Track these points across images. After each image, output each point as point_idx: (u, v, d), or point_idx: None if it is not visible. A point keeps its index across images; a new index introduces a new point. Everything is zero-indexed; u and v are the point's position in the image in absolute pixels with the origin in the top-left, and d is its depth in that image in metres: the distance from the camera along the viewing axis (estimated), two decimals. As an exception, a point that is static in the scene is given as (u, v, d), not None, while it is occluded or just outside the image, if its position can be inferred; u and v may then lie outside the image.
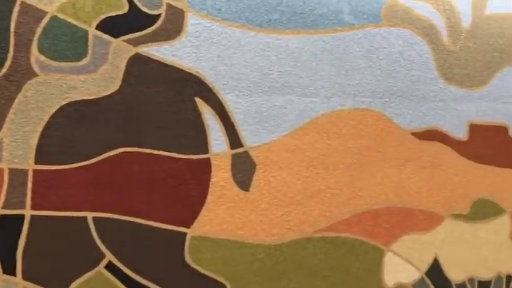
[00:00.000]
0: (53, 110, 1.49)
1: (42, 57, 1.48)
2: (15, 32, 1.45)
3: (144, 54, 1.57)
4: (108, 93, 1.54)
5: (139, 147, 1.57)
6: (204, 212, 1.66)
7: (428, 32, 1.97)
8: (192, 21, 1.63)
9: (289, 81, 1.76)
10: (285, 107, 1.76)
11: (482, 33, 2.07)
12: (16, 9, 1.45)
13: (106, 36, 1.53)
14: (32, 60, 1.47)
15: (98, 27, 1.52)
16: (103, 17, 1.53)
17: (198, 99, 1.63)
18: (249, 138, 1.72)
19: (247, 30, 1.71)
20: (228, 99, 1.69)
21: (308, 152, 1.80)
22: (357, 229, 1.89)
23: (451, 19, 2.02)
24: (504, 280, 2.17)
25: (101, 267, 1.54)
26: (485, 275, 2.14)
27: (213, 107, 1.66)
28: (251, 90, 1.71)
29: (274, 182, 1.76)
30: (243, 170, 1.70)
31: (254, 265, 1.73)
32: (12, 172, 1.46)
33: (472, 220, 2.08)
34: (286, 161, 1.77)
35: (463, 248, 2.07)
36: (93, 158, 1.51)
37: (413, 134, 1.96)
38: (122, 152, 1.54)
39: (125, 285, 1.57)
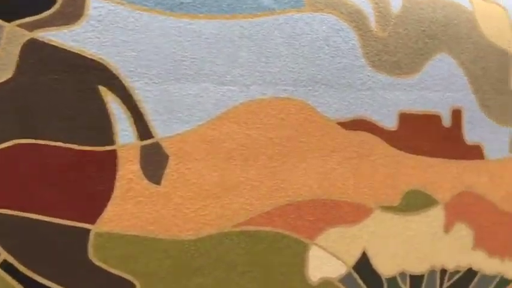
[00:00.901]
0: None
1: None
2: None
3: (40, 39, 1.52)
4: (0, 81, 1.48)
5: (35, 139, 1.52)
6: (110, 207, 1.62)
7: (354, 17, 1.95)
8: (95, 4, 1.58)
9: (204, 68, 1.72)
10: (200, 96, 1.73)
11: (413, 19, 2.06)
12: None
13: (-2, 21, 1.47)
14: None
15: (-12, 11, 1.47)
16: (-6, 0, 1.47)
17: (101, 88, 1.58)
18: (161, 129, 1.68)
19: (157, 14, 1.66)
20: (137, 87, 1.64)
21: (226, 143, 1.77)
22: (279, 222, 1.87)
23: (380, 4, 2.00)
24: (438, 274, 2.18)
25: (-5, 267, 1.49)
26: (418, 268, 2.14)
27: (119, 96, 1.62)
28: (162, 77, 1.67)
29: (189, 174, 1.72)
30: (154, 162, 1.66)
31: (166, 262, 1.70)
32: None
33: (403, 212, 2.08)
34: (202, 152, 1.74)
35: (393, 241, 2.07)
36: (-17, 150, 1.46)
37: (339, 123, 1.94)
38: (16, 144, 1.49)
39: (23, 285, 1.52)
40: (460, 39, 2.16)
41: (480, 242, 2.27)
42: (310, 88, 1.91)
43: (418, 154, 2.11)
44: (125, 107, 1.65)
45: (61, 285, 1.58)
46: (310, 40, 1.90)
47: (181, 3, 1.70)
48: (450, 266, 2.22)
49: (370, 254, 2.04)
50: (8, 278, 1.54)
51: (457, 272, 2.24)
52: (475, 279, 2.32)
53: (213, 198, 1.77)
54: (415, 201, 2.11)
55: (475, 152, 2.23)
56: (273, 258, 1.88)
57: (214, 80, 1.76)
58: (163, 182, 1.71)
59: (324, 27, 1.92)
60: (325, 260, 1.97)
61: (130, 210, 1.66)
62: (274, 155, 1.86)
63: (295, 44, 1.88)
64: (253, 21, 1.81)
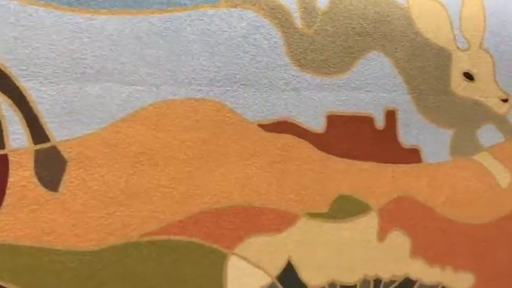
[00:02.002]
0: None
1: None
2: None
3: None
4: None
5: None
6: (1, 217, 1.55)
7: (276, 13, 1.91)
8: (-19, -1, 1.51)
9: (107, 67, 1.67)
10: (102, 96, 1.67)
11: (342, 15, 2.02)
12: None
13: None
14: None
15: None
16: None
17: (-11, 88, 1.52)
18: (58, 132, 1.62)
19: (53, 9, 1.60)
20: (29, 87, 1.58)
21: (133, 147, 1.71)
22: (194, 231, 1.82)
23: (304, -1, 1.96)
24: (372, 283, 2.14)
25: None
26: (350, 278, 2.10)
27: (10, 97, 1.56)
28: (59, 77, 1.61)
29: (91, 180, 1.66)
30: (50, 167, 1.60)
31: (65, 274, 1.63)
32: None
33: (332, 219, 2.03)
34: (106, 157, 1.68)
35: (322, 250, 2.03)
36: None
37: (260, 125, 1.89)
38: None
39: None
40: (394, 36, 2.12)
41: (418, 250, 2.23)
42: (228, 88, 1.86)
43: (348, 158, 2.06)
44: (16, 109, 1.59)
45: None
46: (227, 37, 1.85)
47: (80, -3, 1.64)
48: (385, 276, 2.18)
49: (296, 264, 2.00)
50: None
51: (393, 281, 2.19)
52: (415, 289, 2.28)
53: (118, 205, 1.71)
54: (346, 208, 2.06)
55: (412, 156, 2.19)
56: (188, 270, 1.83)
57: (118, 80, 1.70)
58: (61, 189, 1.64)
59: (242, 23, 1.88)
60: (246, 270, 1.91)
61: (24, 219, 1.60)
62: (187, 159, 1.81)
63: (211, 42, 1.83)
64: (163, 17, 1.76)
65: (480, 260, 2.35)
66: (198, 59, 1.81)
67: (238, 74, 1.87)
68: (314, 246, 2.02)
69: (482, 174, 2.33)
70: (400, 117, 2.16)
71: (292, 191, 1.97)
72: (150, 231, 1.77)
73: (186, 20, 1.79)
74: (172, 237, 1.80)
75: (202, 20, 1.81)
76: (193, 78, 1.80)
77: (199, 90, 1.82)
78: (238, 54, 1.87)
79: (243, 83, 1.88)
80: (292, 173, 1.97)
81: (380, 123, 2.11)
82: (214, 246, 1.86)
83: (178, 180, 1.80)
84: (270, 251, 1.94)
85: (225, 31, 1.85)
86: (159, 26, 1.75)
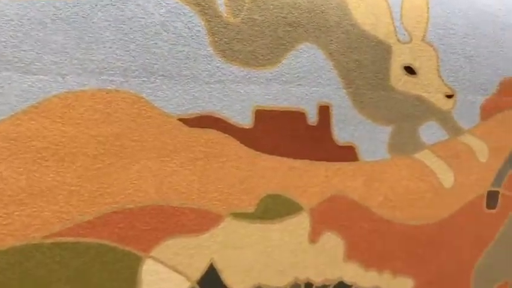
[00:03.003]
0: None
1: None
2: None
3: None
4: None
5: None
6: None
7: (199, 0, 1.83)
8: None
9: (5, 54, 1.58)
10: (0, 86, 1.57)
11: (271, 4, 1.95)
12: None
13: None
14: None
15: None
16: None
17: None
18: (-51, 124, 1.52)
19: None
20: None
21: (35, 141, 1.63)
22: (105, 233, 1.74)
23: (230, -14, 1.89)
24: (303, 287, 2.08)
25: None
26: (278, 282, 2.05)
27: None
28: (-50, 64, 1.52)
29: (-13, 177, 1.57)
30: None
31: (-45, 279, 1.54)
32: None
33: (260, 219, 1.98)
34: (5, 152, 1.60)
35: (248, 252, 1.97)
36: None
37: (181, 120, 1.83)
38: None
39: None
40: (329, 27, 2.07)
41: (353, 253, 2.19)
42: (145, 79, 1.79)
43: (278, 155, 2.01)
44: None
45: None
46: (143, 25, 1.78)
47: (-25, -22, 1.55)
48: (317, 279, 2.13)
49: (219, 267, 1.94)
50: None
51: (326, 286, 2.15)
52: (351, 293, 2.24)
53: (18, 205, 1.63)
54: (275, 208, 2.01)
55: (347, 153, 2.14)
56: (97, 275, 1.75)
57: (19, 68, 1.62)
58: (-48, 186, 1.56)
59: (161, 10, 1.80)
60: (163, 275, 1.85)
61: None
62: (98, 155, 1.73)
63: (125, 29, 1.75)
64: (71, 2, 1.67)
65: (420, 264, 2.32)
66: (111, 47, 1.73)
67: (156, 64, 1.80)
68: (239, 248, 1.96)
69: (424, 174, 2.30)
70: (335, 113, 2.11)
71: (216, 190, 1.91)
72: (54, 232, 1.69)
73: (96, 5, 1.72)
74: (80, 239, 1.72)
75: (115, 5, 1.74)
76: (105, 68, 1.73)
77: (111, 81, 1.74)
78: (156, 43, 1.80)
79: (161, 74, 1.81)
80: (216, 170, 1.90)
81: (313, 119, 2.06)
82: (128, 248, 1.79)
83: (86, 177, 1.72)
84: (190, 253, 1.88)
85: (141, 18, 1.77)
86: (66, 11, 1.67)
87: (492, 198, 2.49)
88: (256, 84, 1.96)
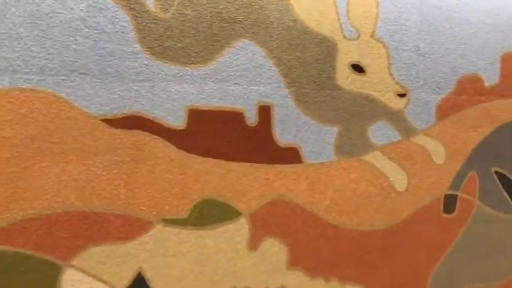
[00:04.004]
0: None
1: None
2: None
3: None
4: None
5: None
6: None
7: (124, -6, 1.78)
8: None
9: None
10: None
11: (205, -1, 1.91)
12: None
13: None
14: None
15: None
16: None
17: None
18: None
19: None
20: None
21: None
22: (21, 240, 1.69)
23: (158, -21, 1.84)
24: (242, 296, 2.04)
25: None
26: (215, 291, 1.99)
27: None
28: None
29: None
30: None
31: None
32: None
33: (194, 226, 1.93)
34: None
35: (181, 260, 1.92)
36: None
37: (104, 120, 1.78)
38: None
39: None
40: (269, 24, 2.03)
41: (297, 260, 2.14)
42: (64, 77, 1.74)
43: (213, 157, 1.96)
44: None
45: None
46: (62, 20, 1.73)
47: None
48: (257, 288, 2.09)
49: (149, 276, 1.88)
50: None
51: (267, 294, 2.10)
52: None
53: None
54: (210, 213, 1.96)
55: (289, 155, 2.10)
56: (14, 284, 1.70)
57: None
58: None
59: (82, 5, 1.76)
60: (86, 284, 1.80)
61: None
62: (12, 158, 1.68)
63: (41, 25, 1.70)
64: (-20, -4, 1.62)
65: (371, 271, 2.27)
66: (26, 44, 1.69)
67: (77, 61, 1.75)
68: (171, 256, 1.91)
69: (374, 176, 2.26)
70: (276, 113, 2.06)
71: (145, 195, 1.86)
72: (-36, 240, 1.63)
73: (9, 1, 1.66)
74: (-8, 247, 1.67)
75: (31, 0, 1.68)
76: (19, 66, 1.68)
77: (26, 79, 1.69)
78: (76, 40, 1.75)
79: (82, 72, 1.76)
80: (145, 174, 1.85)
81: (252, 119, 2.01)
82: (46, 257, 1.74)
83: None
84: (116, 262, 1.83)
85: (60, 13, 1.73)
86: (-24, 6, 1.61)
87: (450, 202, 2.45)
88: (189, 82, 1.91)
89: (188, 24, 1.91)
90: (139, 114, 1.85)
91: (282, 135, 2.08)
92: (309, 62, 2.11)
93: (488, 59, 2.46)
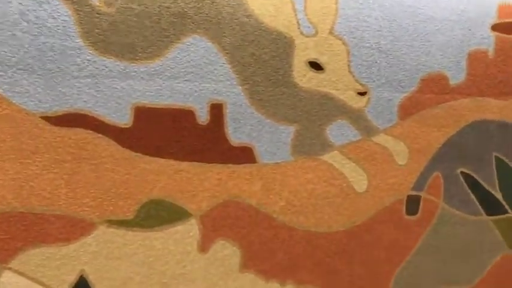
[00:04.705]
0: None
1: None
2: None
3: None
4: None
5: None
6: None
7: (65, -13, 1.75)
8: None
9: None
10: None
11: (153, -7, 1.87)
12: None
13: None
14: None
15: None
16: None
17: None
18: None
19: None
20: None
21: None
22: (-47, 242, 1.65)
23: (103, -28, 1.81)
24: (194, 300, 2.01)
25: None
26: (163, 294, 1.96)
27: None
28: None
29: None
30: None
31: None
32: None
33: (140, 227, 1.90)
34: None
35: (126, 263, 1.89)
36: None
37: (45, 118, 1.74)
38: None
39: None
40: (221, 19, 2.00)
41: (250, 263, 2.11)
42: (1, 73, 1.71)
43: (162, 157, 1.93)
44: None
45: None
46: (-1, 14, 1.69)
47: None
48: (208, 292, 2.06)
49: (92, 279, 1.86)
50: None
51: (218, 298, 2.07)
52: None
53: None
54: (158, 214, 1.93)
55: (243, 155, 2.07)
56: None
57: None
58: None
59: (20, -2, 1.71)
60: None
61: None
62: None
63: (-24, 18, 1.66)
64: None
65: (329, 274, 2.25)
66: (-41, 39, 1.64)
67: (14, 56, 1.72)
68: (116, 258, 1.88)
69: (333, 177, 2.23)
70: (229, 112, 2.03)
71: (87, 195, 1.83)
72: None
73: None
74: None
75: (-36, -8, 1.64)
76: (-48, 61, 1.63)
77: (-40, 75, 1.65)
78: (14, 34, 1.72)
79: (20, 67, 1.72)
80: (87, 174, 1.82)
81: (203, 117, 1.98)
82: (-19, 259, 1.70)
83: None
84: (56, 264, 1.80)
85: (-4, 6, 1.68)
86: None
87: (413, 203, 2.42)
88: (136, 79, 1.88)
89: (134, 19, 1.87)
90: (82, 112, 1.82)
91: (235, 134, 2.05)
92: (264, 59, 2.08)
93: (454, 57, 2.43)
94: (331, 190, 2.24)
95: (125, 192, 1.89)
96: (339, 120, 2.24)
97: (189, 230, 2.00)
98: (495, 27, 2.52)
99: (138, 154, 1.91)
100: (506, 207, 2.62)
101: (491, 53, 2.50)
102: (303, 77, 2.16)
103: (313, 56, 2.17)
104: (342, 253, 2.29)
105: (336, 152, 2.25)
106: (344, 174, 2.27)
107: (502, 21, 2.52)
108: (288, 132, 2.15)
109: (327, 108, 2.22)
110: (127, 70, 1.87)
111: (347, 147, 2.26)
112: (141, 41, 1.89)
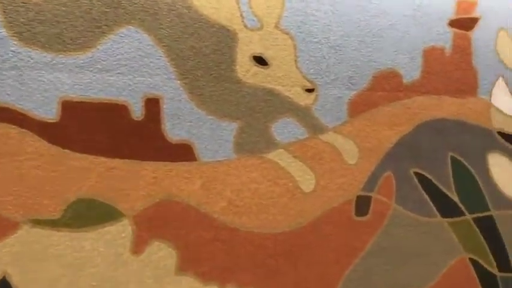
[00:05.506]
0: None
1: None
2: None
3: None
4: None
5: None
6: None
7: (-14, -27, 1.68)
8: None
9: None
10: None
11: (84, -19, 1.81)
12: None
13: None
14: None
15: None
16: None
17: None
18: None
19: None
20: None
21: None
22: None
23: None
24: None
25: None
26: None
27: None
28: None
29: None
30: None
31: None
32: None
33: (68, 227, 1.84)
34: None
35: (52, 265, 1.84)
36: None
37: (-37, 112, 1.66)
38: None
39: None
40: (158, 10, 1.94)
41: (188, 265, 2.06)
42: None
43: (92, 153, 1.88)
44: None
45: None
46: None
47: None
48: (142, 295, 2.00)
49: (14, 282, 1.79)
50: None
51: (152, 302, 2.02)
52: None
53: None
54: (88, 214, 1.88)
55: (181, 152, 2.02)
56: None
57: None
58: None
59: None
60: None
61: None
62: None
63: None
64: None
65: (273, 277, 2.20)
66: None
67: None
68: (41, 260, 1.82)
69: (278, 176, 2.18)
70: (167, 107, 1.98)
71: (10, 193, 1.77)
72: None
73: None
74: None
75: None
76: None
77: None
78: None
79: None
80: (10, 170, 1.77)
81: (138, 112, 1.92)
82: None
83: None
84: (-27, 266, 1.73)
85: None
86: None
87: (362, 204, 2.38)
88: (64, 71, 1.82)
89: (63, 8, 1.81)
90: (5, 106, 1.76)
91: (173, 131, 2.00)
92: (204, 52, 2.02)
93: (408, 54, 2.39)
94: (276, 190, 2.19)
95: (51, 190, 1.83)
96: (285, 118, 2.19)
97: (121, 231, 1.94)
98: (453, 23, 2.48)
99: (66, 150, 1.85)
100: (463, 209, 2.58)
101: (448, 49, 2.46)
102: (247, 72, 2.10)
103: (257, 50, 2.12)
104: (286, 255, 2.24)
105: (281, 150, 2.20)
106: (290, 173, 2.23)
107: (461, 17, 2.48)
108: (230, 129, 2.10)
109: (273, 104, 2.17)
110: (54, 62, 1.81)
111: (293, 145, 2.22)
112: (70, 32, 1.83)
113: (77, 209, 1.86)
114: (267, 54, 2.12)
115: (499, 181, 2.62)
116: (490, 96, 2.54)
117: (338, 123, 2.29)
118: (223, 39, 2.06)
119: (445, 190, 2.53)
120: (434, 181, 2.51)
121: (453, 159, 2.54)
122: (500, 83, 2.61)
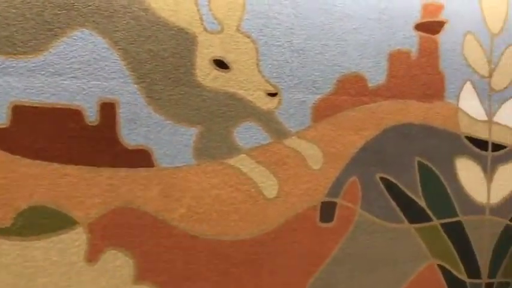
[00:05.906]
0: None
1: None
2: None
3: None
4: None
5: None
6: None
7: None
8: None
9: None
10: None
11: (35, -18, 1.76)
12: None
13: None
14: None
15: None
16: None
17: None
18: None
19: None
20: None
21: None
22: None
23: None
24: (80, 314, 1.91)
25: None
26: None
27: None
28: None
29: None
30: None
31: None
32: None
33: (18, 236, 1.80)
34: None
35: (2, 274, 1.81)
36: None
37: None
38: None
39: None
40: (113, 12, 1.91)
41: (146, 274, 2.03)
42: None
43: (44, 160, 1.83)
44: None
45: None
46: None
47: None
48: (96, 305, 1.96)
49: (-39, 293, 1.73)
50: None
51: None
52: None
53: None
54: (39, 222, 1.84)
55: (138, 158, 1.98)
56: None
57: None
58: None
59: None
60: None
61: None
62: None
63: None
64: None
65: (235, 285, 2.18)
66: None
67: None
68: (-11, 270, 1.77)
69: (240, 182, 2.15)
70: (123, 111, 1.94)
71: (-43, 201, 1.71)
72: None
73: None
74: None
75: None
76: None
77: None
78: None
79: None
80: (-43, 178, 1.70)
81: (93, 117, 1.88)
82: None
83: None
84: None
85: None
86: None
87: (327, 210, 2.36)
88: (14, 75, 1.78)
89: (13, 10, 1.77)
90: (-49, 110, 1.70)
91: (130, 136, 1.96)
92: (162, 55, 1.99)
93: (373, 57, 2.38)
94: (238, 196, 2.17)
95: (1, 198, 1.78)
96: (247, 122, 2.16)
97: (75, 239, 1.90)
98: (419, 27, 2.48)
99: (16, 157, 1.80)
100: (430, 214, 2.57)
101: (414, 53, 2.45)
102: (207, 76, 2.08)
103: (218, 53, 2.09)
104: (249, 263, 2.21)
105: (243, 155, 2.17)
106: (252, 179, 2.20)
107: (427, 20, 2.48)
108: (190, 134, 2.07)
109: (234, 109, 2.14)
110: (4, 65, 1.77)
111: (256, 150, 2.19)
112: (21, 34, 1.79)
113: (28, 217, 1.82)
114: (228, 58, 2.09)
115: (467, 186, 2.62)
116: (458, 101, 2.54)
117: (302, 128, 2.26)
118: (182, 42, 2.03)
119: (412, 195, 2.52)
120: (401, 186, 2.50)
121: (420, 164, 2.53)
122: (468, 87, 2.60)
